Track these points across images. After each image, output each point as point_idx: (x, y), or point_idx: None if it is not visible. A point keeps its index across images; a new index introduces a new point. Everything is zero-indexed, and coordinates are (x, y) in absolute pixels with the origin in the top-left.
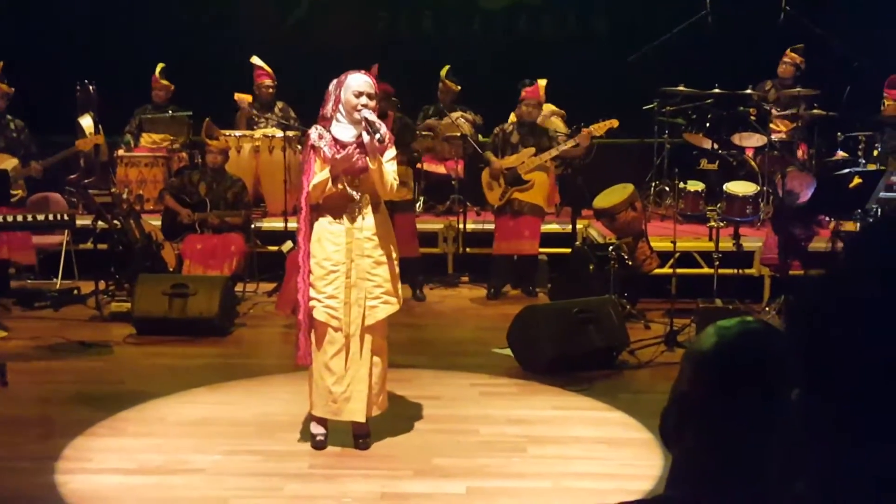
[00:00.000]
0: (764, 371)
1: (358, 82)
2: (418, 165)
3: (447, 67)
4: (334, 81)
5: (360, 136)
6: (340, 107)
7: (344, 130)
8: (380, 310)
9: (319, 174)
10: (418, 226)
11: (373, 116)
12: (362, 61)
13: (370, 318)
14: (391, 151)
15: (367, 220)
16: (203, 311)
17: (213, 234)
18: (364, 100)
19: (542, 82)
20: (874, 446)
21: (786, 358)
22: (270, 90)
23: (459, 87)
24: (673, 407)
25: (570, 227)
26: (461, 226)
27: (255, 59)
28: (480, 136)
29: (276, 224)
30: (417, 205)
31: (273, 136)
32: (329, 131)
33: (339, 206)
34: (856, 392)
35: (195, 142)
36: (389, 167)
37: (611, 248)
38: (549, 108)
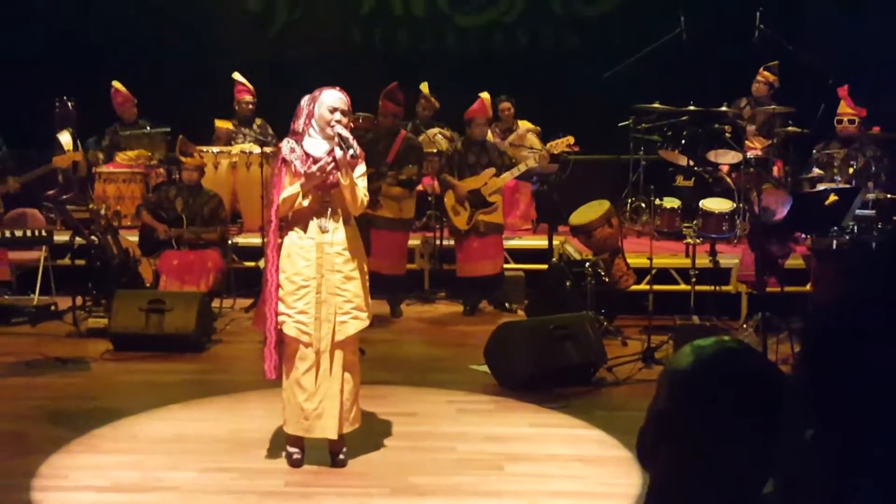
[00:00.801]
0: (740, 389)
1: (332, 98)
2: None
3: (425, 83)
4: (307, 97)
5: (332, 150)
6: (313, 122)
7: (316, 145)
8: (350, 325)
9: (290, 188)
10: None
11: (346, 133)
12: (337, 77)
13: (340, 334)
14: (361, 167)
15: (338, 235)
16: (180, 327)
17: (189, 250)
18: (338, 115)
19: (485, 95)
20: (879, 476)
21: (763, 376)
22: (250, 106)
23: (438, 104)
24: (650, 425)
25: (547, 243)
26: (438, 242)
27: (237, 76)
28: None
29: (253, 240)
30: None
31: (250, 153)
32: (301, 146)
33: (309, 222)
34: (863, 424)
35: (172, 158)
36: (360, 182)
37: (587, 264)
38: (524, 125)
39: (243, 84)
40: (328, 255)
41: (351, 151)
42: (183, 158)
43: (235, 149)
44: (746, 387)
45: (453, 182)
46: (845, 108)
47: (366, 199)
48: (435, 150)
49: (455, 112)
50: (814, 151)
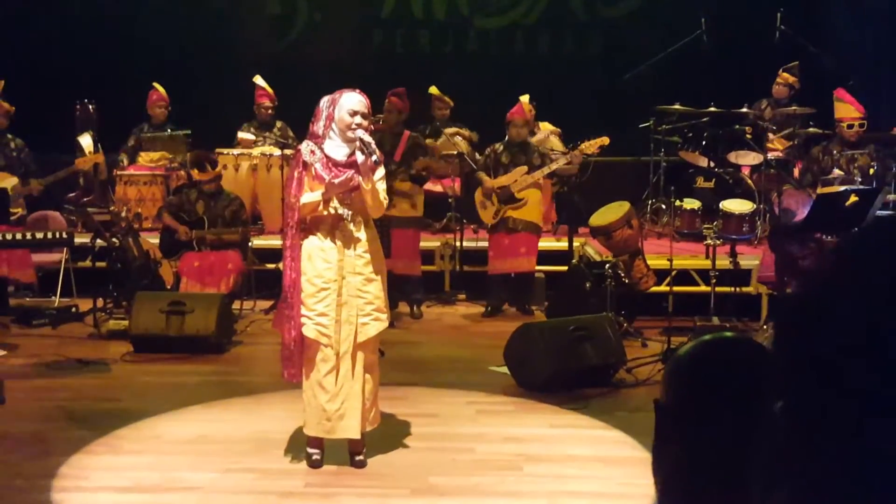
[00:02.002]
0: (737, 376)
1: (352, 101)
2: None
3: (434, 87)
4: (326, 99)
5: (352, 154)
6: (333, 125)
7: (336, 149)
8: (371, 327)
9: (310, 194)
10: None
11: (367, 137)
12: (358, 80)
13: (362, 336)
14: (381, 170)
15: (359, 241)
16: (200, 329)
17: (210, 252)
18: (359, 119)
19: (525, 98)
20: (850, 461)
21: (763, 365)
22: (269, 111)
23: (452, 103)
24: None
25: (567, 244)
26: (458, 243)
27: (258, 79)
28: (477, 154)
29: (273, 241)
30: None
31: (271, 155)
32: (321, 148)
33: (330, 225)
34: (838, 408)
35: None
36: (380, 186)
37: (607, 265)
38: (546, 127)
39: (263, 88)
40: (349, 258)
41: (374, 157)
42: (195, 174)
43: (256, 151)
44: (743, 373)
45: (483, 178)
46: (850, 112)
47: (386, 202)
48: (455, 152)
49: (477, 114)
50: (814, 152)
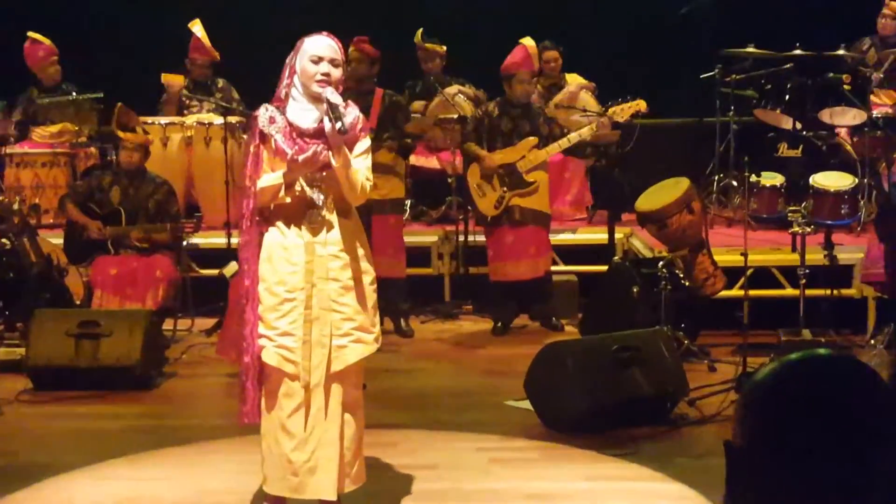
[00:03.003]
0: (834, 408)
1: (317, 45)
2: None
3: (420, 31)
4: (295, 48)
5: (321, 122)
6: (296, 80)
7: (301, 113)
8: (350, 351)
9: (270, 175)
10: (408, 238)
11: (336, 97)
12: (331, 23)
13: (338, 363)
14: (363, 143)
15: (333, 232)
16: (121, 358)
17: (132, 255)
18: (325, 67)
19: (529, 42)
20: None
21: (872, 392)
22: (207, 68)
23: (444, 48)
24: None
25: (607, 236)
26: (461, 238)
27: (196, 26)
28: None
29: (215, 240)
30: (405, 208)
31: (210, 124)
32: (283, 113)
33: (296, 213)
34: None
35: (106, 133)
36: (360, 164)
37: (661, 263)
38: (575, 80)
39: (200, 40)
40: (320, 258)
41: (340, 124)
42: (122, 134)
43: (190, 119)
44: (850, 399)
45: (479, 152)
46: None
47: (368, 185)
48: (455, 116)
49: (479, 66)
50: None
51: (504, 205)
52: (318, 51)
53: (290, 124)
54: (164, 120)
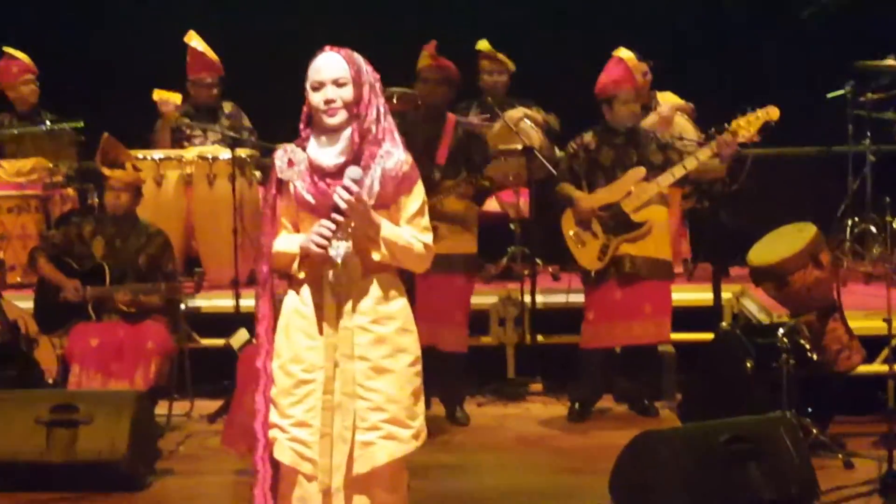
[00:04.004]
0: None
1: (314, 69)
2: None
3: (485, 41)
4: None
5: (348, 156)
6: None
7: (321, 147)
8: (379, 449)
9: (286, 239)
10: None
11: (356, 171)
12: (351, 37)
13: (363, 464)
14: (413, 198)
15: (364, 297)
16: (103, 451)
17: (117, 322)
18: (329, 92)
19: (628, 55)
20: None
21: None
22: (213, 89)
23: (514, 67)
24: None
25: (711, 296)
26: (528, 299)
27: (193, 39)
28: (558, 151)
29: (221, 302)
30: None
31: (215, 159)
32: (305, 151)
33: (317, 270)
34: None
35: (88, 171)
36: (409, 232)
37: (781, 331)
38: (668, 100)
39: (201, 53)
40: (346, 331)
41: (351, 175)
42: (108, 171)
43: (190, 152)
44: None
45: (572, 193)
46: None
47: (428, 261)
48: (519, 146)
49: (543, 84)
50: None
51: (610, 254)
52: (315, 75)
53: (312, 164)
54: (158, 154)
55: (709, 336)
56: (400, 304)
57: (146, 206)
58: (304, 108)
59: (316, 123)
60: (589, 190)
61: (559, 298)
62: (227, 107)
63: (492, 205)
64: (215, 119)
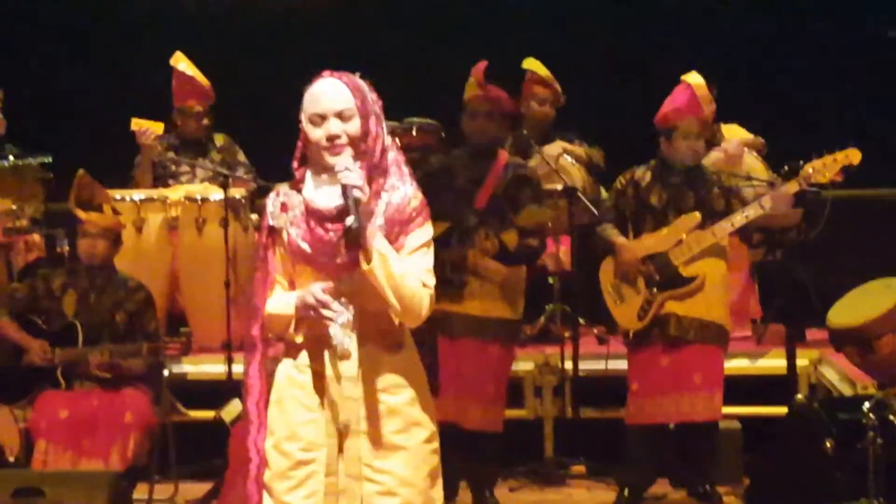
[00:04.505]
0: None
1: (313, 99)
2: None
3: (533, 59)
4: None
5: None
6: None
7: (319, 188)
8: None
9: (280, 299)
10: None
11: (353, 178)
12: (357, 58)
13: None
14: (421, 231)
15: (369, 365)
16: None
17: (91, 391)
18: (333, 126)
19: (696, 80)
20: None
21: None
22: (203, 118)
23: (561, 91)
24: None
25: (784, 363)
26: (569, 365)
27: (181, 61)
28: (603, 191)
29: (210, 368)
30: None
31: (204, 200)
32: (299, 189)
33: (317, 336)
34: None
35: (58, 213)
36: (414, 264)
37: (867, 405)
38: (735, 133)
39: (190, 78)
40: (351, 403)
41: (350, 220)
42: (83, 214)
43: (175, 192)
44: None
45: (615, 239)
46: None
47: (427, 296)
48: (559, 186)
49: (585, 114)
50: None
51: (652, 313)
52: (315, 107)
53: (308, 206)
54: (138, 194)
55: (781, 410)
56: (413, 371)
57: (125, 256)
58: (299, 144)
59: (314, 161)
60: (634, 235)
61: (601, 365)
62: (219, 139)
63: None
64: (205, 153)
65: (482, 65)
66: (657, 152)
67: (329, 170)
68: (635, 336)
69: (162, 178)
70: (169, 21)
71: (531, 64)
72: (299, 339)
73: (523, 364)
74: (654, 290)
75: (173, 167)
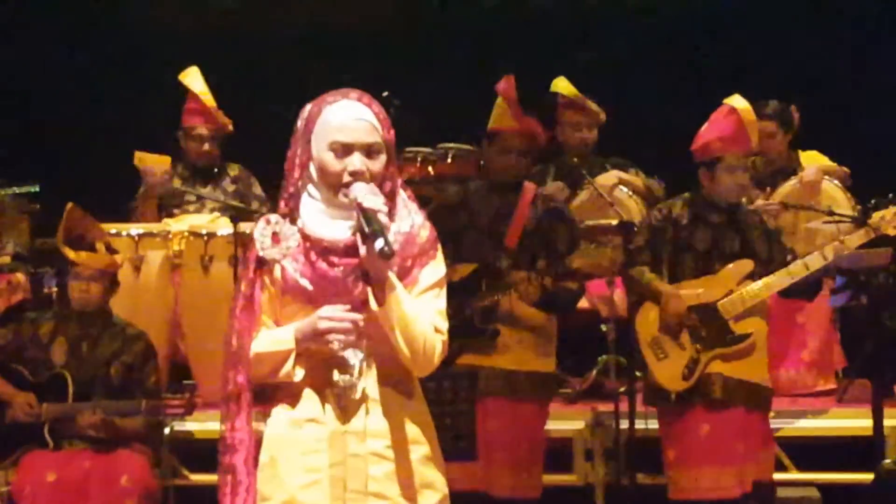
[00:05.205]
0: None
1: (340, 122)
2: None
3: (563, 79)
4: (301, 115)
5: (357, 232)
6: (312, 169)
7: (323, 217)
8: None
9: (271, 334)
10: None
11: (372, 199)
12: (373, 76)
13: None
14: (432, 269)
15: (378, 416)
16: None
17: (83, 451)
18: (357, 161)
19: (741, 105)
20: None
21: None
22: (207, 143)
23: (603, 115)
24: None
25: (870, 424)
26: (624, 425)
27: (194, 79)
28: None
29: (217, 426)
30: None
31: (211, 235)
32: (294, 219)
33: (318, 381)
34: None
35: (45, 251)
36: (425, 305)
37: None
38: (814, 160)
39: (198, 98)
40: (356, 460)
41: (380, 243)
42: (72, 254)
43: (178, 225)
44: None
45: (658, 286)
46: None
47: (439, 349)
48: (614, 222)
49: (641, 139)
50: None
51: (698, 373)
52: (342, 134)
53: (308, 238)
54: (136, 229)
55: (866, 477)
56: (424, 424)
57: (121, 297)
58: (296, 162)
59: (324, 188)
60: (670, 280)
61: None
62: (234, 169)
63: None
64: (217, 183)
65: (510, 84)
66: (695, 185)
67: (335, 203)
68: (677, 398)
69: (167, 206)
70: (178, 38)
71: (559, 86)
72: (299, 377)
73: (572, 423)
74: (700, 347)
75: (177, 196)
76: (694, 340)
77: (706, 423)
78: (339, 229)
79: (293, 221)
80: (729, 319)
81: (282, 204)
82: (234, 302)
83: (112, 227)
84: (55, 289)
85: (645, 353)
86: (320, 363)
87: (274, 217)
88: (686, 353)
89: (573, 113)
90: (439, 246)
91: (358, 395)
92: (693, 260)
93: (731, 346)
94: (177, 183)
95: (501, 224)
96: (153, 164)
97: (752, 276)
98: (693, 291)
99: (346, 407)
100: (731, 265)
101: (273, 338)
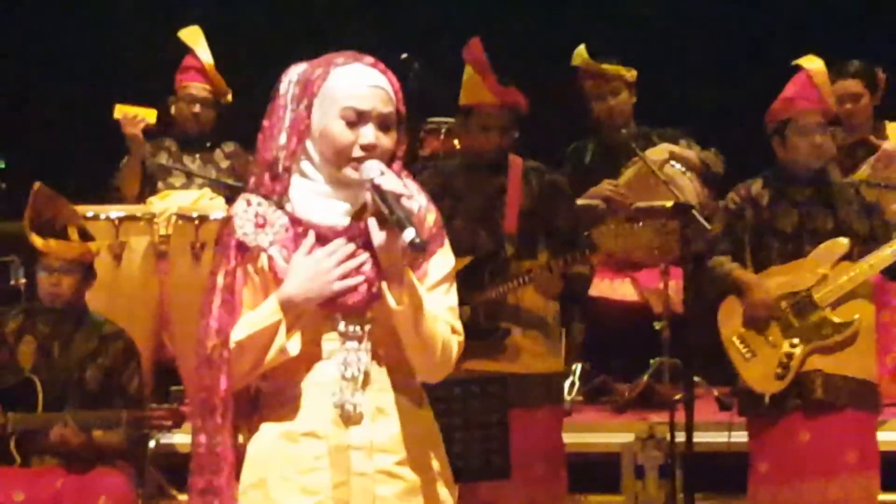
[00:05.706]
0: None
1: (354, 86)
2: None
3: (582, 48)
4: (290, 77)
5: (361, 210)
6: (309, 144)
7: (319, 199)
8: None
9: (254, 314)
10: (572, 438)
11: (391, 181)
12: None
13: None
14: (440, 260)
15: (386, 424)
16: None
17: (54, 468)
18: (370, 134)
19: (816, 66)
20: None
21: None
22: (199, 105)
23: (634, 73)
24: None
25: None
26: (680, 437)
27: (192, 34)
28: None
29: None
30: (570, 388)
31: (203, 219)
32: (280, 203)
33: (318, 386)
34: None
35: (10, 236)
36: (438, 303)
37: None
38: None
39: (197, 57)
40: (361, 479)
41: (409, 234)
42: (40, 242)
43: (164, 204)
44: None
45: (742, 276)
46: None
47: (456, 352)
48: (668, 203)
49: (695, 105)
50: None
51: (794, 371)
52: (358, 101)
53: (298, 221)
54: (116, 211)
55: None
56: (433, 439)
57: (99, 290)
58: (285, 130)
59: (324, 164)
60: (756, 268)
61: (723, 438)
62: (229, 146)
63: (626, 292)
64: (210, 157)
65: (478, 49)
66: (772, 161)
67: (336, 180)
68: (771, 400)
69: (151, 182)
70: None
71: (577, 57)
72: (295, 349)
73: (620, 436)
74: (795, 341)
75: (166, 168)
76: (786, 335)
77: (806, 429)
78: (336, 213)
79: (280, 204)
80: (825, 307)
81: (266, 182)
82: (209, 296)
83: (88, 210)
84: (23, 280)
85: (730, 354)
86: (313, 355)
87: (255, 198)
88: (778, 350)
89: (592, 83)
90: (445, 232)
91: (359, 397)
92: (779, 243)
93: (829, 337)
94: (163, 158)
95: (494, 207)
96: (136, 113)
97: (849, 257)
98: (781, 279)
99: (348, 414)
100: (822, 246)
101: (252, 319)
